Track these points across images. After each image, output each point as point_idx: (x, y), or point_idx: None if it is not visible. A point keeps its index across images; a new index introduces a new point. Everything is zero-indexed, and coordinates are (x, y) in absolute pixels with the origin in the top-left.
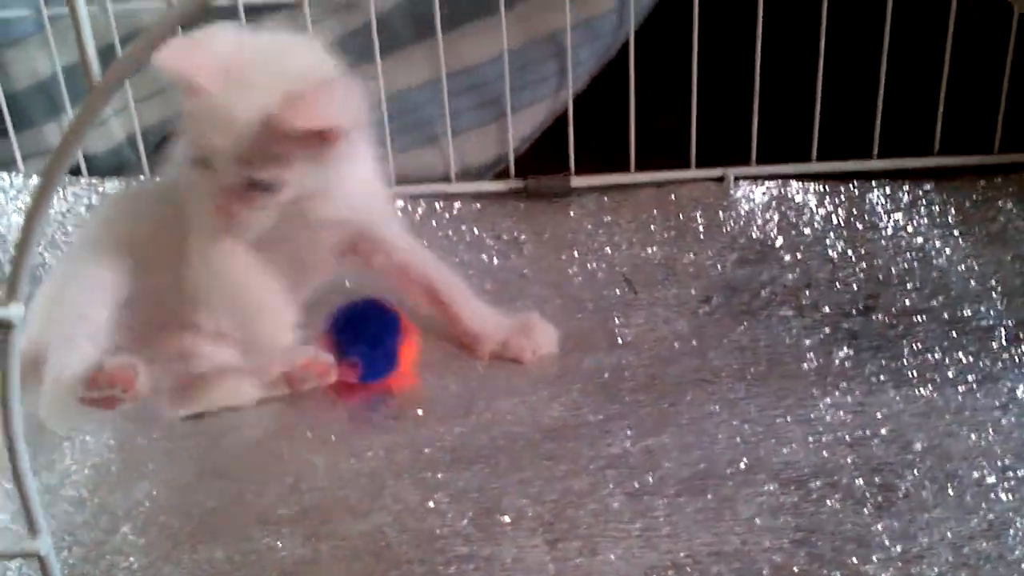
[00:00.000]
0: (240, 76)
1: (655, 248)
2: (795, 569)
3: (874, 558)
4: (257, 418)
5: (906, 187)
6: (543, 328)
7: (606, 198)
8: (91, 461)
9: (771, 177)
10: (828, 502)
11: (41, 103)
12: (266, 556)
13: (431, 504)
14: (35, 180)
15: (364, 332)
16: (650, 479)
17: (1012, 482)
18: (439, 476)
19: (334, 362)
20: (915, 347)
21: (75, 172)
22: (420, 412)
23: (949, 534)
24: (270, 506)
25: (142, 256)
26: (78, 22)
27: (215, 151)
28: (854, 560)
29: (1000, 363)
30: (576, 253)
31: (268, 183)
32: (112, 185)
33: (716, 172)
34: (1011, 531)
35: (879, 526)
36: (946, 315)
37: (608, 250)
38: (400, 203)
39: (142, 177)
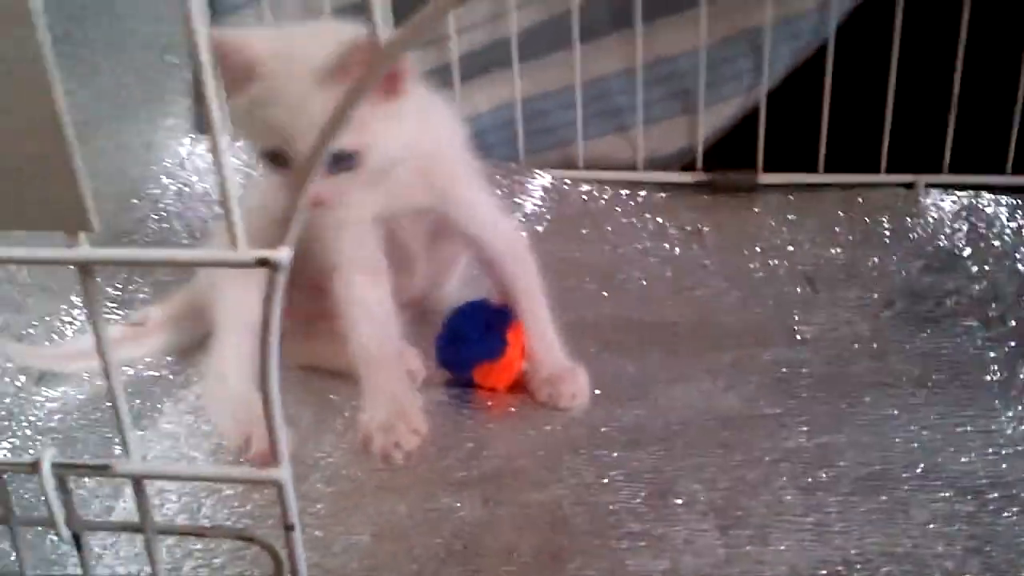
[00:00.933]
0: (291, 56)
1: (839, 249)
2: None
3: None
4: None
5: None
6: (584, 377)
7: (792, 196)
8: (284, 412)
9: (963, 187)
10: (1005, 514)
11: None
12: (446, 515)
13: (606, 481)
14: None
15: (473, 320)
16: (824, 476)
17: None
18: (614, 455)
19: None
20: None
21: None
22: (598, 392)
23: None
24: (451, 468)
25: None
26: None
27: (289, 133)
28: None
29: None
30: (758, 248)
31: (350, 154)
32: None
33: (906, 178)
34: None
35: None
36: None
37: (790, 248)
38: (586, 188)
39: None
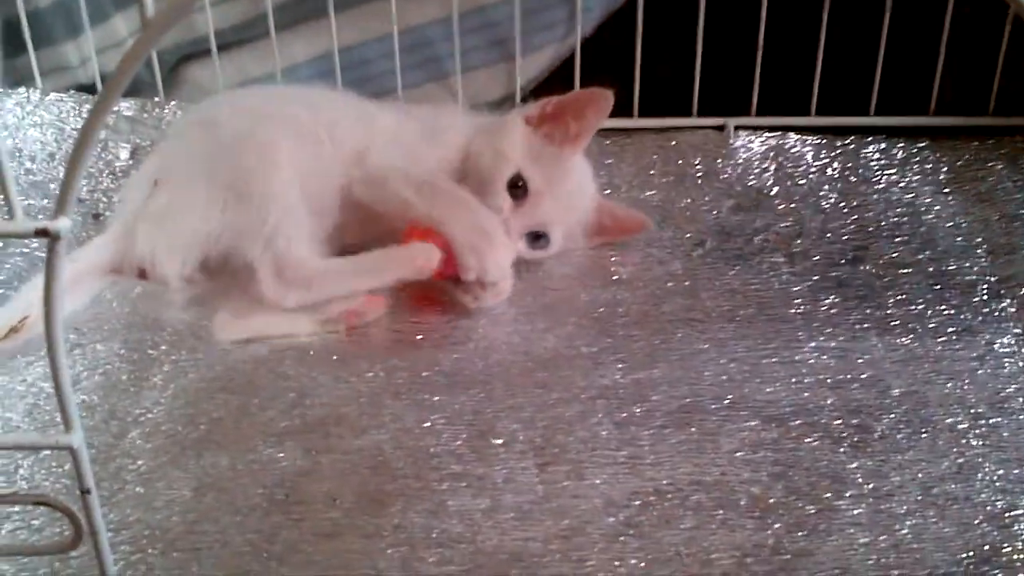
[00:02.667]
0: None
1: (654, 191)
2: (771, 501)
3: (847, 494)
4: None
5: (901, 144)
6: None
7: (608, 141)
8: (101, 368)
9: (770, 128)
10: (806, 440)
11: (61, 21)
12: (268, 466)
13: (427, 424)
14: (52, 96)
15: None
16: (637, 410)
17: (983, 429)
18: (436, 399)
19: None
20: (899, 298)
21: (91, 90)
22: (419, 337)
23: (920, 475)
24: (273, 419)
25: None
26: None
27: (549, 197)
28: (828, 495)
29: (980, 317)
30: None
31: (547, 237)
32: (128, 104)
33: (717, 121)
34: (979, 475)
35: (854, 464)
36: (931, 269)
37: (607, 191)
38: None
39: (156, 98)
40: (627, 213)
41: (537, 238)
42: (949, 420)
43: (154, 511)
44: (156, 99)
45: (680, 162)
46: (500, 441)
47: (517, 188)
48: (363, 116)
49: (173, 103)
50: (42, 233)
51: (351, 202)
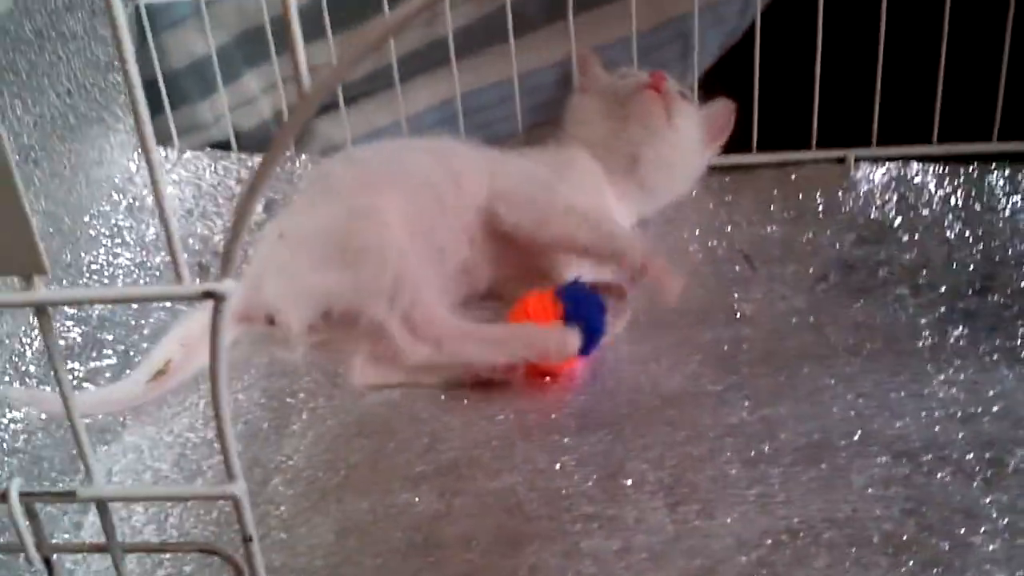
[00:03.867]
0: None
1: (774, 227)
2: (904, 537)
3: (982, 529)
4: None
5: None
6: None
7: (728, 178)
8: (244, 418)
9: (892, 159)
10: (938, 475)
11: (195, 82)
12: (405, 510)
13: (558, 466)
14: (188, 155)
15: (587, 308)
16: (766, 448)
17: None
18: (566, 440)
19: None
20: None
21: (224, 147)
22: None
23: None
24: (408, 463)
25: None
26: (292, 26)
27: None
28: (962, 531)
29: None
30: (697, 231)
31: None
32: (259, 160)
33: (837, 153)
34: None
35: (987, 499)
36: None
37: (728, 228)
38: None
39: (287, 153)
40: (713, 111)
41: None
42: None
43: (298, 556)
44: (287, 153)
45: (800, 196)
46: (630, 481)
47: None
48: (487, 159)
49: (304, 157)
50: (209, 295)
51: (481, 236)
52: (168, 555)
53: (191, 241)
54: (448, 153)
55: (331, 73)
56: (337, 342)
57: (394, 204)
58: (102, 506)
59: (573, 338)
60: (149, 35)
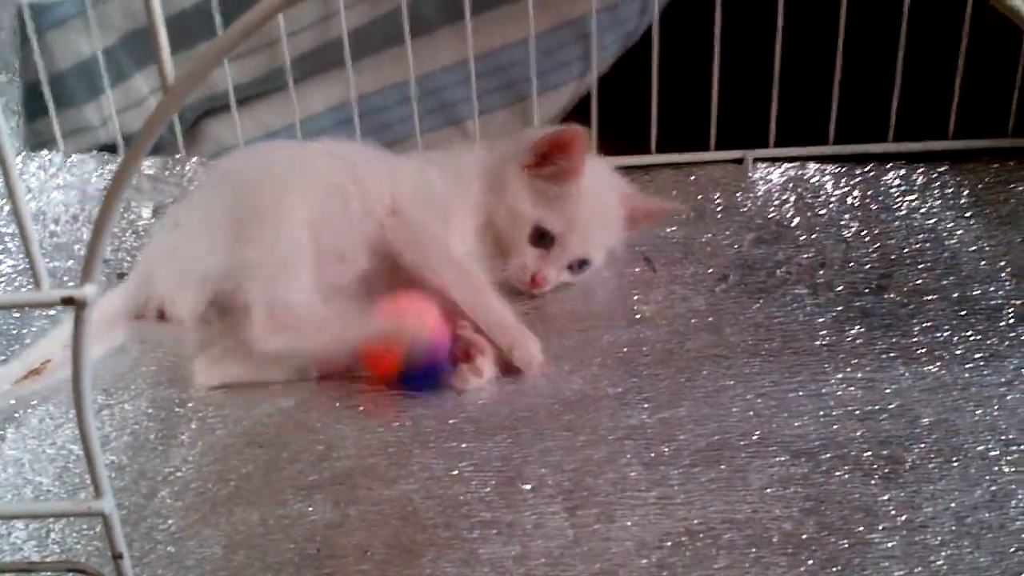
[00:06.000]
0: (592, 168)
1: (675, 228)
2: (804, 537)
3: (880, 527)
4: (284, 389)
5: (921, 169)
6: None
7: (628, 179)
8: (129, 428)
9: (789, 159)
10: (837, 473)
11: (81, 83)
12: (298, 520)
13: (455, 472)
14: (74, 158)
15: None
16: (666, 450)
17: (1015, 455)
18: (463, 446)
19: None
20: (925, 325)
21: (112, 150)
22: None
23: (953, 504)
24: (302, 473)
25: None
26: (153, 17)
27: (578, 231)
28: (861, 529)
29: (1007, 342)
30: None
31: (588, 262)
32: (149, 163)
33: (735, 154)
34: (1013, 502)
35: (886, 496)
36: (956, 294)
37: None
38: None
39: (177, 155)
40: (655, 203)
41: (581, 264)
42: (980, 448)
43: (186, 570)
44: (177, 156)
45: (700, 197)
46: (529, 487)
47: (543, 238)
48: (388, 168)
49: (194, 159)
50: (68, 301)
51: (382, 251)
52: (49, 574)
53: (77, 248)
54: (353, 158)
55: (195, 68)
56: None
57: (300, 192)
58: None
59: (427, 323)
60: (33, 35)
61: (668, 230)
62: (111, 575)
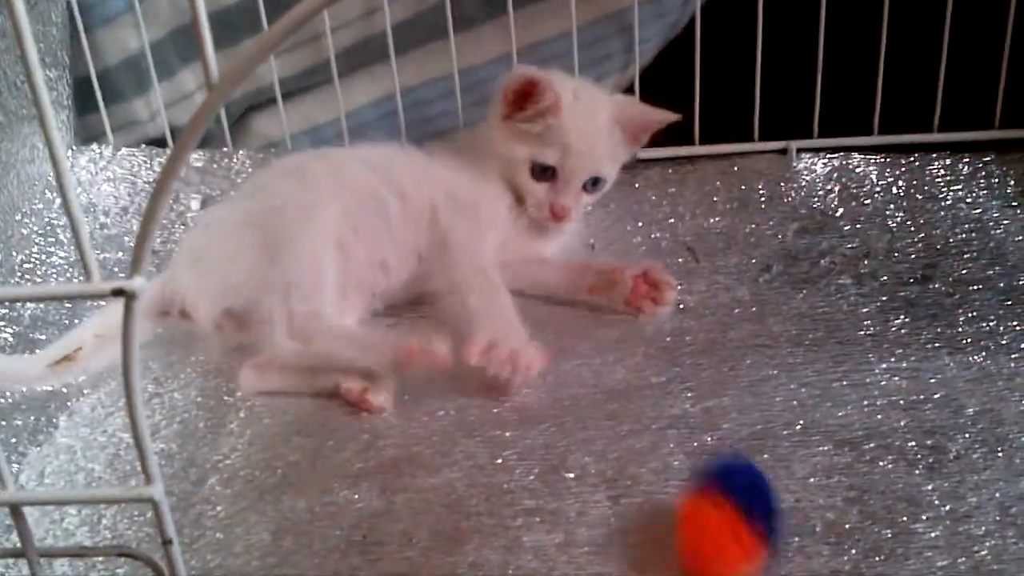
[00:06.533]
0: (576, 96)
1: (718, 218)
2: (847, 526)
3: (924, 516)
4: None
5: (966, 159)
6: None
7: (671, 170)
8: (179, 417)
9: (833, 149)
10: (881, 463)
11: (129, 78)
12: (344, 508)
13: (499, 461)
14: (123, 151)
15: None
16: (709, 439)
17: None
18: (507, 435)
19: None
20: (970, 315)
21: (160, 144)
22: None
23: (998, 495)
24: (348, 461)
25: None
26: (197, 13)
27: (573, 157)
28: (904, 518)
29: None
30: (640, 223)
31: (601, 179)
32: (197, 155)
33: (779, 145)
34: None
35: (929, 486)
36: (1002, 284)
37: (672, 220)
38: None
39: (224, 148)
40: (647, 113)
41: (594, 183)
42: None
43: (234, 556)
44: (224, 149)
45: (743, 187)
46: (572, 475)
47: (545, 172)
48: (425, 173)
49: (241, 152)
50: (119, 293)
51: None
52: (100, 559)
53: (127, 239)
54: (389, 164)
55: (239, 65)
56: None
57: (330, 209)
58: (15, 512)
59: (437, 350)
60: (82, 31)
61: (711, 220)
62: (161, 561)
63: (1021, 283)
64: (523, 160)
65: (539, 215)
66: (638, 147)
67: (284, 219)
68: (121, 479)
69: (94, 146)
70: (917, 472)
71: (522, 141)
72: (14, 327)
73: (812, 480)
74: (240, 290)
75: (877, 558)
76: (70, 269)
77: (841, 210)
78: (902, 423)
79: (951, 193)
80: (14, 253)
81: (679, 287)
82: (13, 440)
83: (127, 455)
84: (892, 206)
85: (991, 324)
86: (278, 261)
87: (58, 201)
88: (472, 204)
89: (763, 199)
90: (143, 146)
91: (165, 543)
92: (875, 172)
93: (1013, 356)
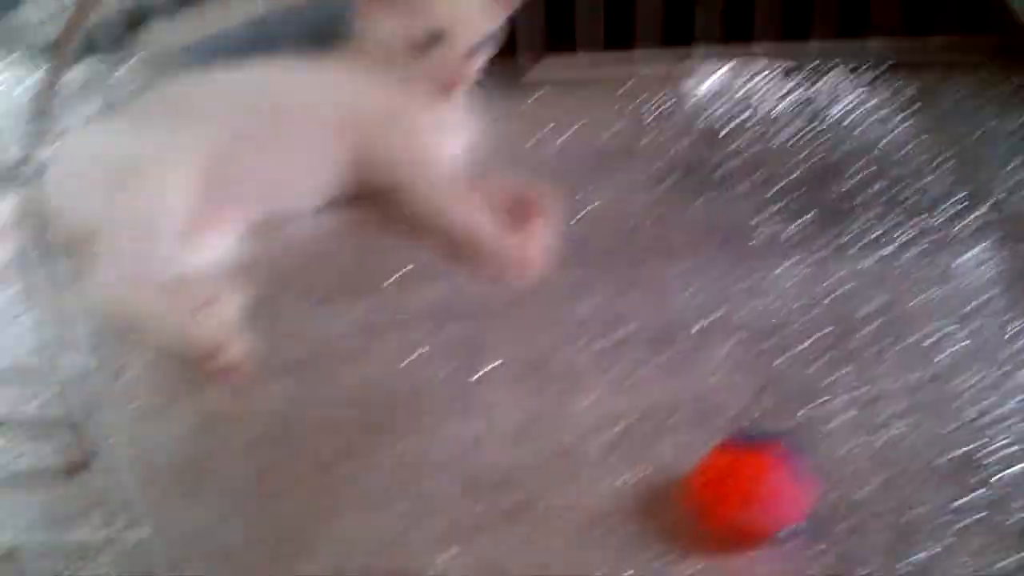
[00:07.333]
0: None
1: (616, 130)
2: (756, 414)
3: (829, 402)
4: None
5: (863, 68)
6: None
7: (568, 81)
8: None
9: (730, 57)
10: (784, 354)
11: None
12: (263, 402)
13: (415, 356)
14: None
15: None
16: (619, 335)
17: (950, 338)
18: (422, 332)
19: None
20: (861, 221)
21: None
22: (398, 275)
23: (900, 383)
24: (264, 358)
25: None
26: None
27: (454, 22)
28: (810, 404)
29: (945, 232)
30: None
31: (485, 41)
32: (88, 62)
33: (680, 52)
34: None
35: (832, 377)
36: (894, 190)
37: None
38: None
39: (118, 54)
40: None
41: (479, 45)
42: (917, 334)
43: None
44: (118, 55)
45: (643, 98)
46: (488, 368)
47: (428, 43)
48: (322, 85)
49: (134, 59)
50: None
51: (341, 166)
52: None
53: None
54: (282, 80)
55: None
56: None
57: (189, 148)
58: None
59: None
60: None
61: (610, 130)
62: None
63: (913, 188)
64: (403, 35)
65: (439, 85)
66: (512, 8)
67: (140, 157)
68: None
69: None
70: (820, 362)
71: (396, 18)
72: None
73: (720, 373)
74: (86, 215)
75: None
76: None
77: (735, 122)
78: (800, 320)
79: (844, 106)
80: None
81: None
82: None
83: None
84: (786, 117)
85: (880, 230)
86: (120, 203)
87: None
88: (391, 115)
89: (662, 110)
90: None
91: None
92: (769, 83)
93: (903, 257)
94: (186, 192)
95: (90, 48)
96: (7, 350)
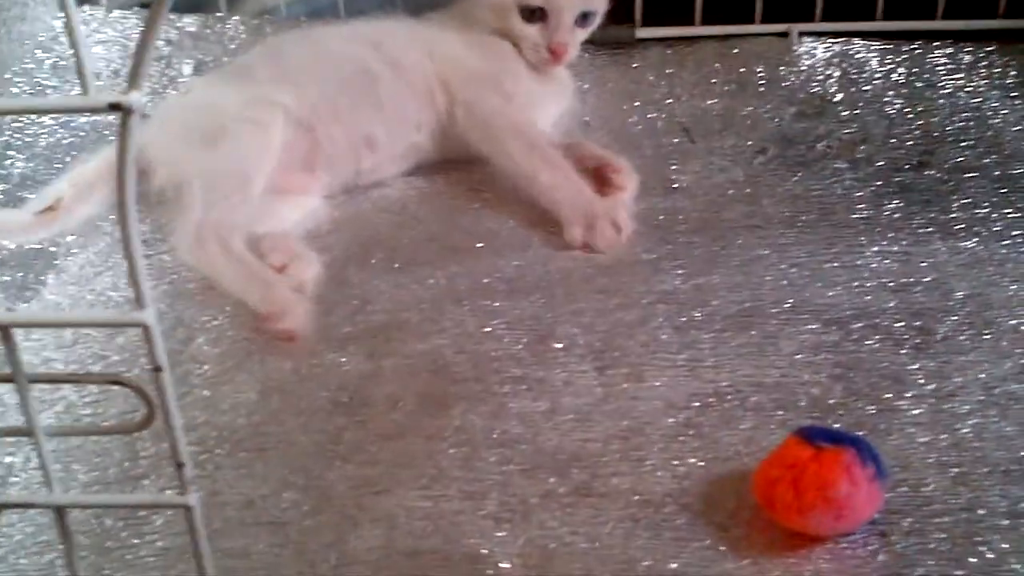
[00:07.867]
0: None
1: (715, 100)
2: (831, 401)
3: (908, 394)
4: (323, 244)
5: (967, 48)
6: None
7: (670, 50)
8: (168, 278)
9: (835, 34)
10: (867, 342)
11: None
12: (331, 370)
13: (487, 329)
14: (116, 13)
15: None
16: (698, 314)
17: None
18: (496, 304)
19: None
20: (964, 202)
21: (148, 6)
22: (479, 245)
23: (982, 375)
24: (336, 325)
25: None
26: None
27: None
28: (889, 396)
29: None
30: (637, 103)
31: (592, 12)
32: (191, 20)
33: (780, 27)
34: None
35: (915, 366)
36: (997, 173)
37: (669, 100)
38: None
39: (218, 14)
40: None
41: (584, 17)
42: (1013, 322)
43: (220, 413)
44: (218, 14)
45: (742, 70)
46: (560, 345)
47: (534, 14)
48: (423, 46)
49: (236, 18)
50: (115, 107)
51: (431, 129)
52: (90, 390)
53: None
54: (383, 40)
55: None
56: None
57: (291, 103)
58: (6, 333)
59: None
60: None
61: (708, 102)
62: (152, 392)
63: (1015, 172)
64: (511, 5)
65: (538, 58)
66: None
67: (229, 118)
68: (107, 337)
69: (86, 8)
70: (903, 351)
71: None
72: (3, 184)
73: (798, 357)
74: (181, 168)
75: (859, 432)
76: (59, 130)
77: (840, 95)
78: (891, 304)
79: (951, 82)
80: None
81: (673, 167)
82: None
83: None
84: (891, 93)
85: (984, 211)
86: (212, 156)
87: (48, 61)
88: (491, 77)
89: (762, 82)
90: (135, 8)
91: (156, 370)
92: (876, 59)
93: (1004, 242)
94: (277, 150)
95: (197, 5)
96: (88, 306)
